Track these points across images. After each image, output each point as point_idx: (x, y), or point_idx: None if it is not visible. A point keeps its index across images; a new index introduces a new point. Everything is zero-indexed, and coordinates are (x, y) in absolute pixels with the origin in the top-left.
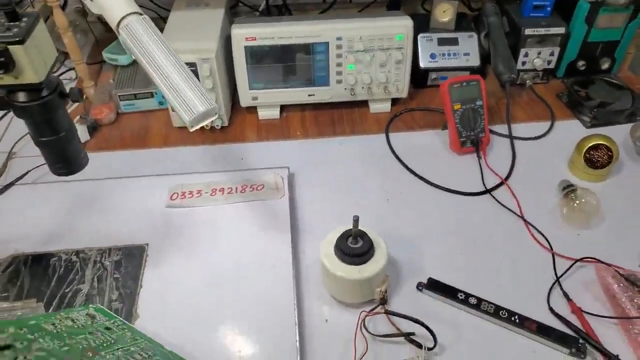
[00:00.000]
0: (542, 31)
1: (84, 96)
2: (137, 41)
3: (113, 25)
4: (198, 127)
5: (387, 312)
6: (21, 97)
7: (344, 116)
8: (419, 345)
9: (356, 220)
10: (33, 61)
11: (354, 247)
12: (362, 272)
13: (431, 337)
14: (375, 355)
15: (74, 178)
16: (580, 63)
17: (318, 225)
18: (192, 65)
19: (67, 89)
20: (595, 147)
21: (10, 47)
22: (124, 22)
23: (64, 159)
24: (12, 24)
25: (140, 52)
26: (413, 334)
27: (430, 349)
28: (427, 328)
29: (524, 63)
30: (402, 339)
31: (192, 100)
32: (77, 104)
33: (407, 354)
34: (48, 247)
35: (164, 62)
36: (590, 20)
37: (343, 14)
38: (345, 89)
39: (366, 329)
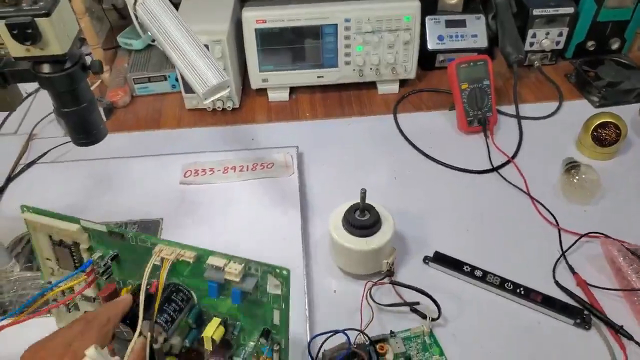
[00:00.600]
0: (550, 11)
1: (88, 48)
2: (153, 17)
3: (130, 3)
4: (211, 99)
5: (392, 282)
6: (46, 68)
7: (352, 98)
8: (423, 316)
9: (364, 193)
10: (58, 33)
11: (362, 219)
12: (369, 244)
13: (436, 309)
14: (382, 324)
15: (91, 156)
16: (590, 43)
17: (326, 202)
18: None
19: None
20: (603, 125)
21: (37, 19)
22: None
23: (85, 129)
24: None
25: (156, 27)
26: (417, 303)
27: (434, 320)
28: (431, 298)
29: (531, 44)
30: (407, 309)
31: (205, 73)
32: (94, 86)
33: (412, 324)
34: None
35: (178, 37)
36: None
37: None
38: (354, 70)
39: (372, 298)
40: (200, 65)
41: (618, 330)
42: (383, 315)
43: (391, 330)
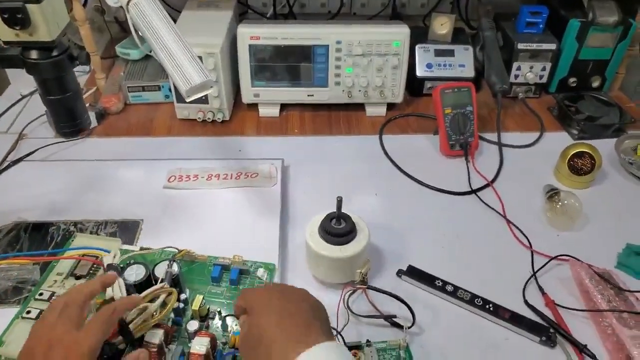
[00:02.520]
0: (534, 46)
1: (92, 66)
2: (144, 16)
3: (124, 2)
4: (194, 97)
5: (369, 288)
6: (34, 54)
7: (341, 118)
8: (400, 327)
9: (339, 200)
10: (47, 20)
11: (337, 227)
12: (344, 251)
13: (410, 317)
14: (358, 333)
15: (79, 157)
16: (572, 80)
17: (307, 213)
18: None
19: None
20: (580, 155)
21: (27, 5)
22: (134, 0)
23: (69, 118)
24: None
25: (146, 25)
26: (394, 316)
27: (409, 328)
28: (406, 305)
29: (516, 76)
30: (382, 321)
31: (189, 71)
32: (89, 92)
33: (387, 335)
34: (49, 218)
35: (166, 36)
36: (581, 39)
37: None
38: (343, 91)
39: (348, 304)
40: (185, 64)
41: (582, 350)
42: (360, 326)
43: (367, 340)
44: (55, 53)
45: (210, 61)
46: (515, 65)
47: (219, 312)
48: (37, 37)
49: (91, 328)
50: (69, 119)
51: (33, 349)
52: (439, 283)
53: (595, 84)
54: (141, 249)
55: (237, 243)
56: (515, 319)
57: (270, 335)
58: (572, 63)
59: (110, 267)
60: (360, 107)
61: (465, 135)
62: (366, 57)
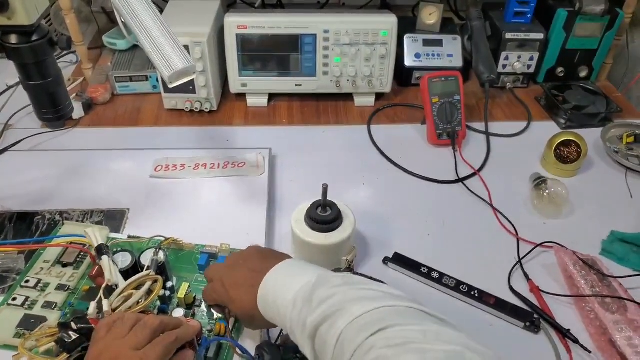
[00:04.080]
0: (522, 36)
1: (74, 49)
2: (127, 1)
3: None
4: (177, 84)
5: (356, 274)
6: (13, 39)
7: (329, 108)
8: None
9: (325, 188)
10: (25, 4)
11: (323, 214)
12: (329, 239)
13: None
14: None
15: (65, 147)
16: (559, 70)
17: (294, 202)
18: (184, 48)
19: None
20: (566, 144)
21: None
22: None
23: (51, 104)
24: None
25: (128, 11)
26: None
27: None
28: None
29: (504, 66)
30: None
31: (171, 57)
32: (76, 82)
33: None
34: (34, 207)
35: (148, 22)
36: (568, 28)
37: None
38: (331, 80)
39: None
40: (167, 50)
41: (565, 334)
42: None
43: None
44: (35, 37)
45: (197, 50)
46: (503, 54)
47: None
48: (15, 21)
49: (153, 351)
50: (50, 105)
51: (99, 356)
52: (424, 270)
53: (583, 74)
54: (129, 237)
55: (224, 232)
56: (500, 305)
57: (231, 286)
58: (559, 53)
59: (100, 248)
60: (348, 97)
61: (452, 125)
62: (354, 46)
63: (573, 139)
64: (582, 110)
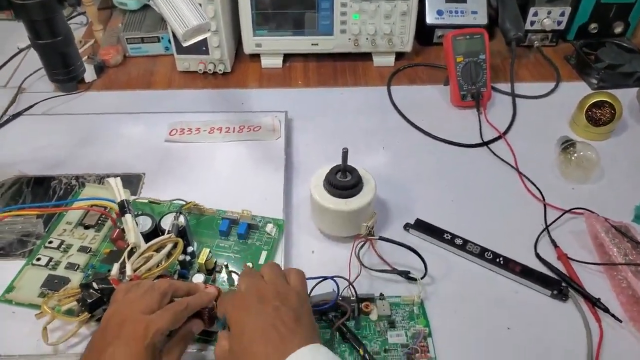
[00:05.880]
0: None
1: (83, 10)
2: None
3: None
4: (191, 42)
5: (381, 239)
6: None
7: (346, 68)
8: (412, 279)
9: (345, 152)
10: None
11: (343, 180)
12: (349, 205)
13: (422, 269)
14: (369, 287)
15: (79, 111)
16: (592, 26)
17: (312, 167)
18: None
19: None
20: (598, 105)
21: None
22: None
23: (62, 64)
24: None
25: None
26: (408, 272)
27: (421, 279)
28: (418, 255)
29: (532, 23)
30: (392, 275)
31: (185, 14)
32: (87, 44)
33: (398, 290)
34: (50, 172)
35: None
36: None
37: None
38: (349, 39)
39: (358, 255)
40: (181, 7)
41: (595, 303)
42: (370, 279)
43: (381, 293)
44: None
45: (210, 8)
46: (531, 10)
47: (226, 266)
48: None
49: (161, 316)
50: (61, 65)
51: (111, 317)
52: (447, 236)
53: (618, 30)
54: (150, 201)
55: (242, 197)
56: (527, 273)
57: (252, 353)
58: (593, 7)
59: (122, 204)
60: (367, 56)
61: (477, 85)
62: (373, 2)
63: (607, 99)
64: (616, 69)
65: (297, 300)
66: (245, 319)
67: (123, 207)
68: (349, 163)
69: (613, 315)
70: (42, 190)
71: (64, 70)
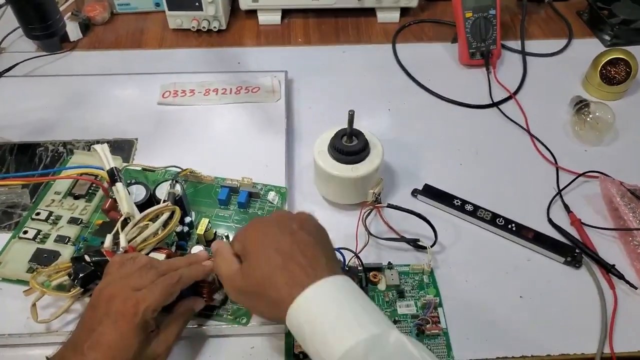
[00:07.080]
0: None
1: None
2: None
3: None
4: None
5: (389, 206)
6: None
7: (349, 25)
8: (422, 247)
9: (352, 114)
10: None
11: (349, 145)
12: (356, 171)
13: (431, 237)
14: (378, 256)
15: (63, 72)
16: None
17: (314, 130)
18: None
19: None
20: (613, 63)
21: None
22: None
23: (38, 18)
24: None
25: None
26: (418, 240)
27: (431, 247)
28: (427, 222)
29: None
30: (400, 244)
31: None
32: (70, 0)
33: (407, 259)
34: (35, 138)
35: None
36: None
37: None
38: None
39: (366, 225)
40: None
41: (609, 270)
42: (378, 248)
43: (389, 262)
44: None
45: None
46: None
47: (227, 237)
48: None
49: (152, 292)
50: (38, 20)
51: (101, 291)
52: (457, 202)
53: None
54: (143, 168)
55: (240, 163)
56: (539, 239)
57: (271, 282)
58: None
59: (112, 172)
60: (370, 12)
61: (487, 43)
62: None
63: (623, 56)
64: (631, 25)
65: (314, 226)
66: (264, 242)
67: (113, 176)
68: (353, 126)
69: (628, 282)
70: (27, 158)
71: (41, 25)
